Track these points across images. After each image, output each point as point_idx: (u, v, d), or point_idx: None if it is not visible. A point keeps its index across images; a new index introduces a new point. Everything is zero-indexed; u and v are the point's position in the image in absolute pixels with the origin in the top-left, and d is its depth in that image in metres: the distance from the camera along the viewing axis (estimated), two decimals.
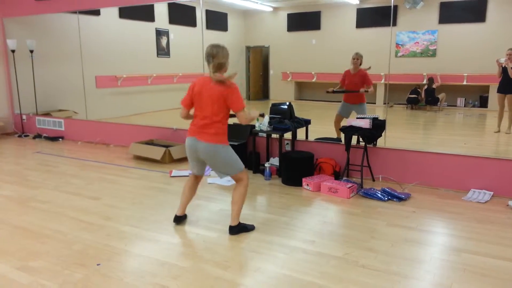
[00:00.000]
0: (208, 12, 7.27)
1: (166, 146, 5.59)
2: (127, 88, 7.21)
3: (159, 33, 7.22)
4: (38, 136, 7.42)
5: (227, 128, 3.16)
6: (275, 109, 5.04)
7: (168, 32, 7.29)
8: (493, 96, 5.76)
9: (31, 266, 2.70)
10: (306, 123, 5.07)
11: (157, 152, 5.47)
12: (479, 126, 6.31)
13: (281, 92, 7.79)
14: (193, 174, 3.34)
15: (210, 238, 3.13)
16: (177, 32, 7.38)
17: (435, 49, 6.47)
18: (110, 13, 6.80)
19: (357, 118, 4.61)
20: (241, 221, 3.29)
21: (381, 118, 4.62)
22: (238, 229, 3.21)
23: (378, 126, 4.46)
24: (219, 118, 3.05)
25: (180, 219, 3.41)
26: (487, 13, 6.11)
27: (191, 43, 6.59)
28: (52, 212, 3.71)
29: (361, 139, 4.66)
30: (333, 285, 2.45)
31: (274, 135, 5.10)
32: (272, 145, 5.22)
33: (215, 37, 7.52)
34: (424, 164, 4.40)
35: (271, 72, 7.91)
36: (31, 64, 7.43)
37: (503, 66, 5.24)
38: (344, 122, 4.68)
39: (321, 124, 5.61)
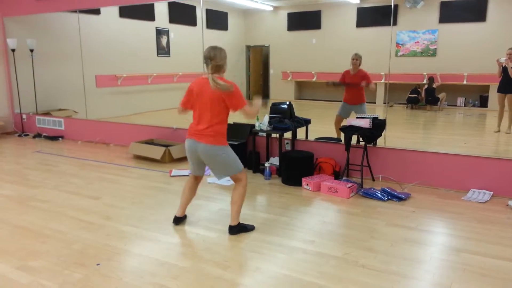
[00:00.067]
0: (208, 11, 7.27)
1: (166, 146, 5.59)
2: (127, 88, 7.21)
3: (159, 32, 7.22)
4: (38, 135, 7.42)
5: (227, 128, 3.16)
6: (275, 108, 5.04)
7: (168, 31, 7.30)
8: (493, 96, 5.77)
9: (31, 266, 2.70)
10: (306, 122, 5.06)
11: (157, 152, 5.47)
12: (479, 125, 6.31)
13: (281, 91, 7.79)
14: (193, 175, 3.34)
15: (210, 238, 3.14)
16: (177, 31, 7.38)
17: (435, 48, 6.47)
18: (110, 12, 6.80)
19: (357, 117, 4.61)
20: (241, 221, 3.29)
21: (381, 117, 4.62)
22: (238, 229, 3.21)
23: (378, 126, 4.46)
24: (218, 120, 3.05)
25: (179, 220, 3.41)
26: (488, 12, 6.11)
27: (191, 42, 6.60)
28: (52, 211, 3.72)
29: (361, 139, 4.65)
30: (333, 285, 2.45)
31: (274, 135, 5.10)
32: (272, 145, 5.22)
33: (215, 36, 7.51)
34: (424, 164, 4.40)
35: (271, 71, 7.91)
36: (31, 64, 7.43)
37: (503, 65, 5.23)
38: (344, 122, 4.68)
39: (321, 123, 5.61)
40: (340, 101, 5.50)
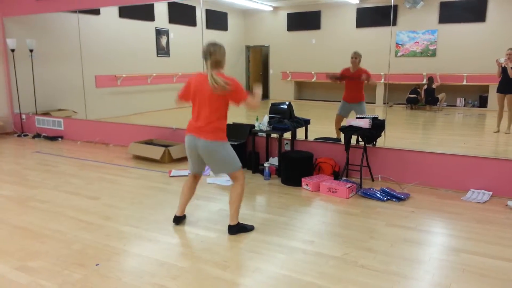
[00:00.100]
0: (208, 12, 7.27)
1: (166, 146, 5.59)
2: (127, 88, 7.21)
3: (159, 33, 7.22)
4: (37, 135, 7.42)
5: (227, 128, 3.16)
6: (275, 108, 5.04)
7: (168, 31, 7.29)
8: (493, 96, 5.76)
9: (30, 266, 2.70)
10: (305, 123, 5.07)
11: (156, 152, 5.47)
12: (479, 126, 6.31)
13: (280, 91, 7.78)
14: (192, 173, 3.34)
15: (210, 238, 3.14)
16: (177, 32, 7.38)
17: (435, 49, 6.47)
18: (110, 13, 6.79)
19: (356, 118, 4.61)
20: (240, 221, 3.29)
21: (380, 118, 4.62)
22: (237, 228, 3.21)
23: (378, 126, 4.46)
24: (217, 116, 3.05)
25: (179, 220, 3.41)
26: (487, 13, 6.10)
27: (191, 42, 6.59)
28: (52, 212, 3.71)
29: (360, 139, 4.65)
30: (332, 285, 2.45)
31: (273, 135, 5.10)
32: (272, 145, 5.21)
33: (215, 36, 7.51)
34: (424, 164, 4.40)
35: (271, 71, 7.90)
36: (31, 64, 7.43)
37: (503, 66, 5.23)
38: (344, 122, 4.68)
39: (321, 124, 5.61)
40: (340, 101, 5.50)
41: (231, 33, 8.16)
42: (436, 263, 2.73)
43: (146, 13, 7.00)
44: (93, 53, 7.00)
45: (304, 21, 7.43)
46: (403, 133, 6.03)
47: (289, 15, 7.57)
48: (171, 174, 4.88)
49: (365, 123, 4.42)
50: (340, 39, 7.05)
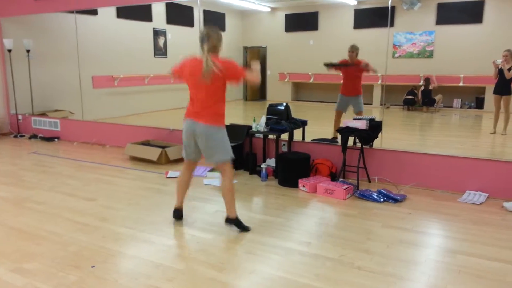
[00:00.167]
0: (205, 12, 7.26)
1: (163, 147, 5.58)
2: (124, 88, 7.20)
3: (157, 33, 7.21)
4: (34, 136, 7.40)
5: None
6: (272, 109, 5.04)
7: (165, 32, 7.29)
8: (489, 98, 5.78)
9: (26, 268, 2.69)
10: (303, 124, 5.07)
11: (153, 153, 5.46)
12: (475, 127, 6.32)
13: (278, 92, 7.79)
14: (187, 160, 3.32)
15: (206, 239, 3.13)
16: (175, 32, 7.38)
17: (432, 50, 6.49)
18: (107, 13, 6.78)
19: (353, 119, 4.61)
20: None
21: (377, 119, 4.63)
22: (235, 222, 3.24)
23: (375, 127, 4.47)
24: (215, 99, 3.06)
25: (179, 213, 3.42)
26: (484, 14, 6.13)
27: (188, 43, 6.59)
28: (48, 213, 3.70)
29: (357, 140, 4.66)
30: (329, 287, 2.45)
31: (270, 136, 5.10)
32: (269, 146, 5.21)
33: None
34: (420, 165, 4.41)
35: (268, 72, 7.91)
36: (28, 64, 7.41)
37: (499, 67, 5.25)
38: (343, 123, 4.68)
39: (318, 125, 5.62)
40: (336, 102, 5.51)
41: (229, 34, 8.17)
42: (432, 265, 2.73)
43: (143, 13, 6.99)
44: (90, 54, 6.99)
45: (301, 22, 7.44)
46: (400, 134, 6.04)
47: (287, 16, 7.58)
48: (168, 175, 4.87)
49: (362, 124, 4.42)
50: (338, 40, 7.06)
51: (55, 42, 7.23)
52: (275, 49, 7.83)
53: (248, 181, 4.71)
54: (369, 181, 4.62)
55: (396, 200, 3.96)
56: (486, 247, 2.99)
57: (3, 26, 7.53)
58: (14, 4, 7.28)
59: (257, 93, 8.13)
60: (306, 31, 7.39)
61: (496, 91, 5.46)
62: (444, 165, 4.30)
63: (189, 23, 6.83)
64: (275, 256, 2.85)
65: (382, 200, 3.97)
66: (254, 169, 4.99)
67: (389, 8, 4.63)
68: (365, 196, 4.05)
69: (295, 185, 4.43)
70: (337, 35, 7.08)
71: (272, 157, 5.12)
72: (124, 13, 6.81)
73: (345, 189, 4.05)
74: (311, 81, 7.40)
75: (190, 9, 6.71)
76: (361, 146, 4.48)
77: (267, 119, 4.92)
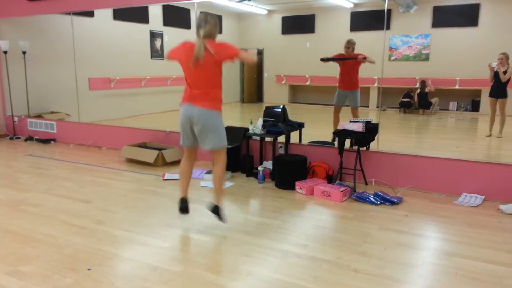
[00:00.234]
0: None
1: (159, 149, 5.57)
2: (121, 90, 7.18)
3: (153, 35, 7.20)
4: (29, 138, 7.36)
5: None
6: (269, 112, 5.04)
7: (162, 34, 7.27)
8: (485, 100, 5.81)
9: (21, 271, 2.67)
10: (299, 126, 5.07)
11: (149, 155, 5.44)
12: (471, 130, 6.35)
13: (275, 95, 7.79)
14: (185, 147, 3.32)
15: (203, 242, 3.12)
16: (172, 34, 7.36)
17: (428, 53, 6.51)
18: (104, 15, 6.77)
19: (350, 121, 4.62)
20: (235, 222, 3.29)
21: (374, 121, 4.64)
22: (218, 211, 3.26)
23: (371, 130, 4.48)
24: (212, 84, 3.07)
25: (185, 203, 3.37)
26: (480, 17, 6.15)
27: None
28: (43, 215, 3.68)
29: (354, 143, 4.67)
30: None
31: (267, 139, 5.10)
32: (266, 148, 5.21)
33: None
34: (417, 168, 4.42)
35: (265, 75, 7.91)
36: (24, 66, 7.38)
37: (495, 70, 5.28)
38: (341, 123, 4.69)
39: (315, 127, 5.62)
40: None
41: (226, 36, 8.16)
42: (429, 267, 2.73)
43: (140, 15, 6.98)
44: (86, 56, 6.97)
45: (298, 24, 7.45)
46: (396, 137, 6.06)
47: (284, 18, 7.59)
48: (165, 178, 4.86)
49: (358, 127, 4.43)
50: (334, 42, 7.07)
51: (51, 44, 7.20)
52: (272, 51, 7.83)
53: (245, 183, 4.70)
54: (366, 184, 4.63)
55: (392, 203, 3.97)
56: (482, 250, 3.00)
57: None
58: (10, 5, 7.26)
59: (254, 95, 8.12)
60: (303, 34, 7.39)
61: (492, 94, 5.48)
62: (440, 167, 4.31)
63: (186, 25, 6.82)
64: (272, 259, 2.84)
65: (378, 202, 3.98)
66: (251, 172, 4.99)
67: (385, 11, 4.65)
68: (362, 199, 4.06)
69: (292, 187, 4.43)
70: (334, 37, 7.09)
71: (269, 159, 5.12)
72: (120, 15, 6.79)
73: (342, 191, 4.06)
74: (308, 83, 7.40)
75: (187, 11, 6.70)
76: (358, 148, 4.49)
77: (264, 121, 4.92)
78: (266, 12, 7.73)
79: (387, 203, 3.98)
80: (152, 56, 7.25)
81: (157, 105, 7.19)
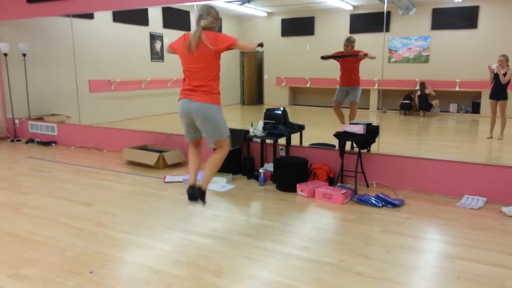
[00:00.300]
0: None
1: (160, 151, 5.56)
2: (121, 93, 7.18)
3: (153, 37, 7.20)
4: (30, 140, 7.35)
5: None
6: (269, 114, 5.04)
7: (162, 36, 7.28)
8: (485, 102, 5.81)
9: (23, 274, 2.67)
10: (300, 128, 5.07)
11: (150, 157, 5.44)
12: (472, 132, 6.35)
13: (275, 97, 7.79)
14: (189, 140, 3.33)
15: (204, 244, 3.12)
16: (171, 36, 7.36)
17: (428, 55, 6.52)
18: (103, 17, 6.77)
19: (350, 123, 4.62)
20: (235, 226, 3.29)
21: (374, 123, 4.64)
22: (203, 195, 3.25)
23: (372, 132, 4.47)
24: (210, 77, 3.08)
25: (193, 190, 3.26)
26: (479, 19, 6.16)
27: None
28: (44, 218, 3.67)
29: (355, 145, 4.67)
30: None
31: (268, 141, 5.10)
32: (266, 151, 5.21)
33: None
34: (418, 170, 4.42)
35: (265, 77, 7.91)
36: (24, 68, 7.38)
37: (495, 72, 5.28)
38: (340, 130, 4.68)
39: (315, 129, 5.62)
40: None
41: None
42: (431, 270, 2.73)
43: (140, 17, 6.98)
44: (87, 58, 6.97)
45: (298, 26, 7.45)
46: (397, 139, 6.06)
47: (283, 20, 7.59)
48: (166, 180, 4.85)
49: (359, 129, 4.43)
50: (334, 44, 7.07)
51: (51, 46, 7.20)
52: (271, 53, 7.84)
53: (246, 185, 4.70)
54: (367, 186, 4.62)
55: (394, 205, 3.97)
56: (484, 252, 3.00)
57: None
58: (9, 7, 7.26)
59: (254, 97, 8.12)
60: (303, 36, 7.40)
61: (492, 96, 5.48)
62: (441, 169, 4.31)
63: (186, 27, 6.83)
64: (273, 261, 2.84)
65: (380, 205, 3.97)
66: (252, 174, 4.99)
67: (385, 13, 4.66)
68: (363, 201, 4.05)
69: (293, 189, 4.43)
70: (333, 39, 7.10)
71: (270, 161, 5.12)
72: (120, 17, 6.80)
73: (343, 193, 4.05)
74: (308, 85, 7.41)
75: (187, 13, 6.71)
76: (359, 150, 4.49)
77: (265, 123, 4.92)
78: (265, 14, 7.74)
79: (388, 206, 3.97)
80: (152, 58, 7.26)
81: (158, 107, 7.19)
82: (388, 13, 4.77)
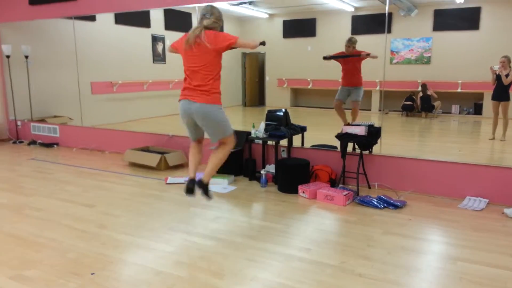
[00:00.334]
0: None
1: (162, 153, 5.57)
2: (123, 94, 7.19)
3: (155, 39, 7.22)
4: (32, 142, 7.37)
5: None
6: (271, 115, 5.04)
7: (164, 38, 7.29)
8: (488, 103, 5.80)
9: (25, 275, 2.67)
10: (302, 130, 5.07)
11: (152, 159, 5.45)
12: (474, 133, 6.34)
13: (276, 98, 7.79)
14: (192, 140, 3.35)
15: (206, 246, 3.12)
16: (173, 38, 7.38)
17: (430, 56, 6.51)
18: (106, 19, 6.79)
19: (352, 125, 4.62)
20: (236, 228, 3.29)
21: (376, 125, 4.64)
22: (205, 187, 3.26)
23: (374, 133, 4.47)
24: (211, 76, 3.08)
25: (192, 183, 3.29)
26: (481, 21, 6.16)
27: None
28: (46, 219, 3.68)
29: (356, 146, 4.66)
30: None
31: (270, 142, 5.10)
32: (268, 152, 5.21)
33: None
34: (420, 171, 4.41)
35: (267, 78, 7.91)
36: (26, 70, 7.40)
37: (497, 73, 5.27)
38: (342, 131, 4.68)
39: (317, 131, 5.62)
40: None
41: None
42: (433, 272, 2.73)
43: (142, 19, 7.00)
44: (89, 60, 6.99)
45: (299, 28, 7.46)
46: (399, 140, 6.05)
47: (285, 22, 7.60)
48: (168, 182, 4.86)
49: (361, 131, 4.43)
50: (336, 46, 7.08)
51: (53, 48, 7.23)
52: (273, 55, 7.85)
53: (248, 187, 4.70)
54: (369, 187, 4.62)
55: (396, 206, 3.96)
56: (486, 254, 2.99)
57: (1, 32, 7.53)
58: (12, 10, 7.29)
59: (256, 99, 8.13)
60: (304, 37, 7.40)
61: (494, 97, 5.47)
62: (444, 171, 4.30)
63: (188, 29, 6.83)
64: (275, 263, 2.84)
65: (382, 206, 3.97)
66: (253, 175, 4.99)
67: (386, 14, 4.66)
68: (365, 202, 4.05)
69: (295, 191, 4.42)
70: (335, 41, 7.10)
71: (272, 163, 5.12)
72: (122, 19, 6.82)
73: (345, 195, 4.05)
74: (309, 87, 7.41)
75: (189, 15, 6.72)
76: (361, 152, 4.49)
77: (266, 125, 4.92)
78: (267, 16, 7.74)
79: (390, 207, 3.97)
80: (154, 60, 7.27)
81: (160, 109, 7.20)
82: (390, 14, 4.77)
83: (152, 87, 7.28)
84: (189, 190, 3.31)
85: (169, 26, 7.21)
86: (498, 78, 5.30)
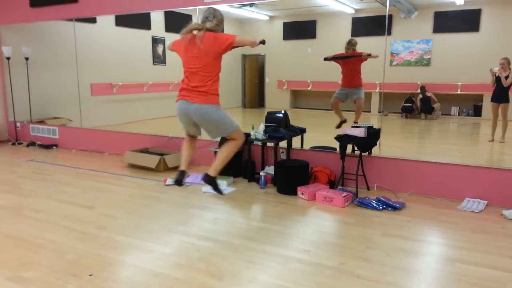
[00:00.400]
0: None
1: (161, 154, 5.57)
2: (123, 96, 7.20)
3: (155, 41, 7.22)
4: (32, 144, 7.38)
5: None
6: (271, 117, 5.04)
7: (164, 40, 7.30)
8: (487, 105, 5.80)
9: (23, 277, 2.67)
10: (301, 131, 5.07)
11: (151, 160, 5.45)
12: (473, 135, 6.35)
13: (276, 100, 7.80)
14: (188, 135, 3.35)
15: (205, 247, 3.11)
16: (173, 40, 7.39)
17: (430, 58, 6.52)
18: (106, 21, 6.81)
19: (352, 126, 4.62)
20: (235, 229, 3.28)
21: (376, 126, 4.64)
22: (212, 181, 3.28)
23: (373, 135, 4.47)
24: (209, 77, 3.09)
25: (182, 175, 3.37)
26: (481, 23, 6.16)
27: None
28: (45, 221, 3.68)
29: (356, 148, 4.66)
30: None
31: (269, 144, 5.10)
32: (267, 154, 5.21)
33: None
34: (419, 173, 4.41)
35: (266, 80, 7.92)
36: (26, 72, 7.41)
37: (497, 75, 5.28)
38: (342, 129, 4.68)
39: (316, 132, 5.62)
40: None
41: None
42: (432, 273, 2.72)
43: (142, 22, 7.01)
44: (89, 61, 7.00)
45: (300, 30, 7.47)
46: (398, 142, 6.05)
47: (285, 24, 7.61)
48: (167, 183, 4.86)
49: (360, 132, 4.43)
50: (336, 48, 7.09)
51: (53, 50, 7.24)
52: (273, 57, 7.85)
53: (247, 188, 4.70)
54: (368, 189, 4.62)
55: (395, 208, 3.96)
56: (485, 255, 2.98)
57: (1, 34, 7.54)
58: (12, 12, 7.31)
59: (256, 100, 8.14)
60: (304, 39, 7.42)
61: (494, 99, 5.48)
62: (443, 172, 4.30)
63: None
64: (274, 264, 2.83)
65: (381, 208, 3.96)
66: (252, 177, 4.99)
67: (387, 16, 4.66)
68: (364, 204, 4.05)
69: (294, 192, 4.42)
70: (335, 43, 7.11)
71: (271, 164, 5.12)
72: (122, 21, 6.83)
73: (344, 196, 4.05)
74: (309, 88, 7.41)
75: (189, 17, 6.73)
76: (360, 153, 4.49)
77: (266, 126, 4.92)
78: (267, 18, 7.75)
79: (389, 209, 3.97)
80: (154, 62, 7.28)
81: (159, 110, 7.21)
82: (390, 16, 4.78)
83: (152, 89, 7.29)
84: (178, 182, 3.38)
85: (169, 28, 7.22)
86: (497, 80, 5.30)
